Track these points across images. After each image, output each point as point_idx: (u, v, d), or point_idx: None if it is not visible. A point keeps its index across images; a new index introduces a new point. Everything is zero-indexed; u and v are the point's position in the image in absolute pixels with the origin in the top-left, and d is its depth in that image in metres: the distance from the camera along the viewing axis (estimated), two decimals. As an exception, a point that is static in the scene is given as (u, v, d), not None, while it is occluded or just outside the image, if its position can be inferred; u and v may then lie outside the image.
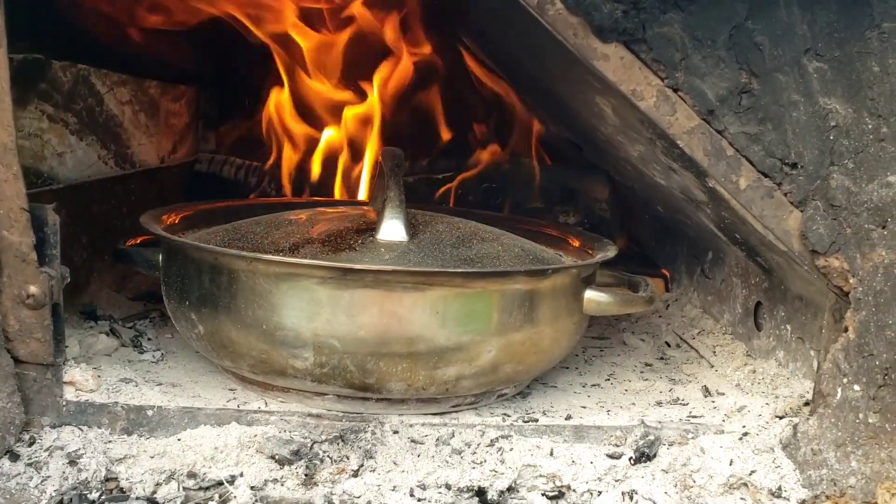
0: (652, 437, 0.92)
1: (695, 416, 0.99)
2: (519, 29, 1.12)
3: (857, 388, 0.84)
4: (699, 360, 1.21)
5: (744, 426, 0.95)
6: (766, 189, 0.88)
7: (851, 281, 0.85)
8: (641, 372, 1.17)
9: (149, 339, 1.14)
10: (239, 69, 1.79)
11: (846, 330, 0.86)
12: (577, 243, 1.17)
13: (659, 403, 1.05)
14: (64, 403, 0.89)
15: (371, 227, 1.00)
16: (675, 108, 0.86)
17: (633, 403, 1.04)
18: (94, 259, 1.23)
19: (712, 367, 1.18)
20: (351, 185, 1.52)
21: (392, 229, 0.98)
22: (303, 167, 1.55)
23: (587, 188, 1.51)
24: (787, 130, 0.86)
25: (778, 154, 0.87)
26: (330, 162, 1.55)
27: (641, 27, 0.84)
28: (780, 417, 0.96)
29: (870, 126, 0.83)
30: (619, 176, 1.42)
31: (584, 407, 1.02)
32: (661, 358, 1.23)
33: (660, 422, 0.95)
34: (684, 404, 1.04)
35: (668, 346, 1.28)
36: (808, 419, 0.88)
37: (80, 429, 0.88)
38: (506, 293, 0.92)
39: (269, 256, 0.90)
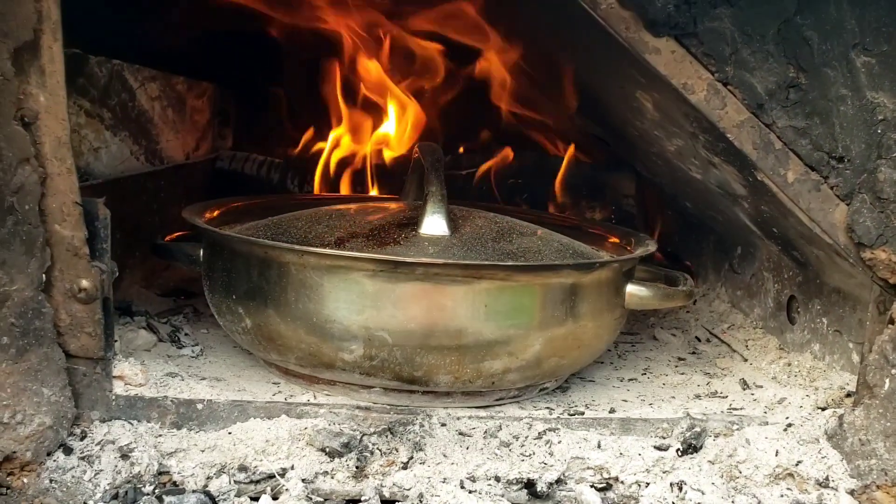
0: (698, 429, 0.92)
1: (736, 409, 1.00)
2: (555, 21, 1.13)
3: (905, 379, 0.85)
4: (732, 354, 1.22)
5: (787, 417, 0.95)
6: (813, 182, 0.88)
7: (899, 273, 0.86)
8: (676, 366, 1.18)
9: (186, 334, 1.14)
10: (254, 66, 1.79)
11: (893, 321, 0.87)
12: (613, 238, 1.18)
13: (698, 396, 1.05)
14: (113, 398, 0.89)
15: (411, 222, 1.01)
16: (724, 102, 0.86)
17: (673, 397, 1.05)
18: (126, 255, 1.23)
19: (746, 360, 1.19)
20: (377, 181, 1.52)
21: (434, 224, 0.98)
22: (332, 163, 1.55)
23: (614, 183, 1.51)
24: (835, 124, 0.87)
25: (825, 148, 0.88)
26: (357, 158, 1.56)
27: (693, 21, 0.84)
28: (823, 409, 0.96)
29: (919, 120, 0.84)
30: (647, 171, 1.43)
31: (626, 400, 1.02)
32: (694, 352, 1.24)
33: (704, 414, 0.96)
34: (723, 397, 1.05)
35: (699, 340, 1.29)
36: (853, 410, 0.89)
37: (130, 423, 0.88)
38: (551, 287, 0.92)
39: (321, 250, 0.90)
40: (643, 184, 1.54)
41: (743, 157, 0.90)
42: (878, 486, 0.85)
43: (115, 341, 0.92)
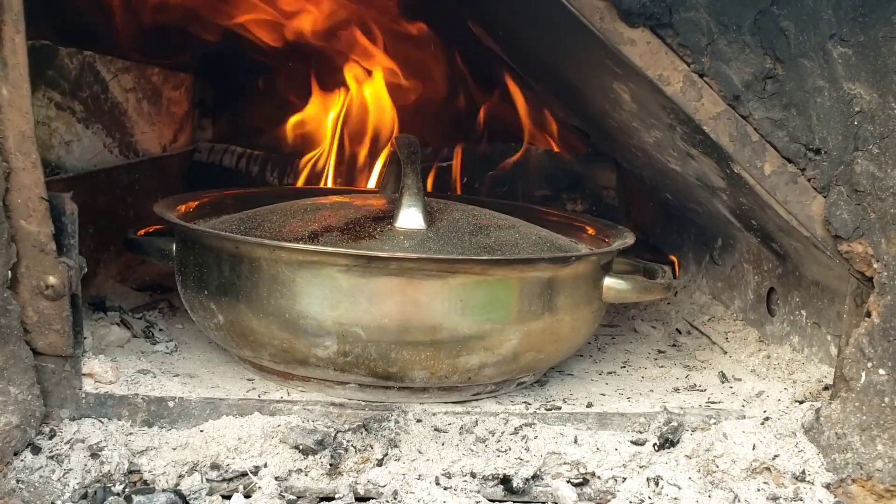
0: (675, 424, 0.92)
1: (714, 402, 0.99)
2: (531, 12, 1.11)
3: (882, 371, 0.84)
4: (712, 347, 1.22)
5: (764, 411, 0.95)
6: (790, 175, 0.88)
7: (875, 266, 0.85)
8: (655, 359, 1.17)
9: (160, 329, 1.13)
10: (232, 56, 1.77)
11: (869, 314, 0.87)
12: (591, 231, 1.17)
13: (676, 390, 1.05)
14: (83, 396, 0.88)
15: (388, 216, 0.99)
16: (701, 94, 0.85)
17: (651, 390, 1.04)
18: (100, 249, 1.22)
19: (726, 353, 1.18)
20: (356, 173, 1.51)
21: (410, 217, 0.97)
22: (310, 156, 1.54)
23: (594, 175, 1.51)
24: (812, 116, 0.86)
25: (802, 140, 0.87)
26: (337, 151, 1.54)
27: (668, 12, 0.83)
28: (801, 402, 0.96)
29: (896, 111, 0.83)
30: (628, 163, 1.42)
31: (604, 394, 1.02)
32: (674, 345, 1.24)
33: (681, 408, 0.95)
34: (702, 390, 1.04)
35: (679, 332, 1.29)
36: (830, 403, 0.89)
37: (100, 421, 0.87)
38: (528, 281, 0.91)
39: (293, 245, 0.89)
40: (624, 175, 1.54)
41: (720, 149, 0.89)
42: (853, 480, 0.84)
43: (85, 338, 0.91)
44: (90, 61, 1.15)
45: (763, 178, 0.88)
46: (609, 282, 0.99)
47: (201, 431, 0.87)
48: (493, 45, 1.45)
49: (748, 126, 0.86)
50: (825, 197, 0.87)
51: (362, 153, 1.51)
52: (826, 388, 0.97)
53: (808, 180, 0.88)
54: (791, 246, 1.03)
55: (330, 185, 1.52)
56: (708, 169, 1.02)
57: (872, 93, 0.84)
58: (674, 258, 1.52)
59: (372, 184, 1.52)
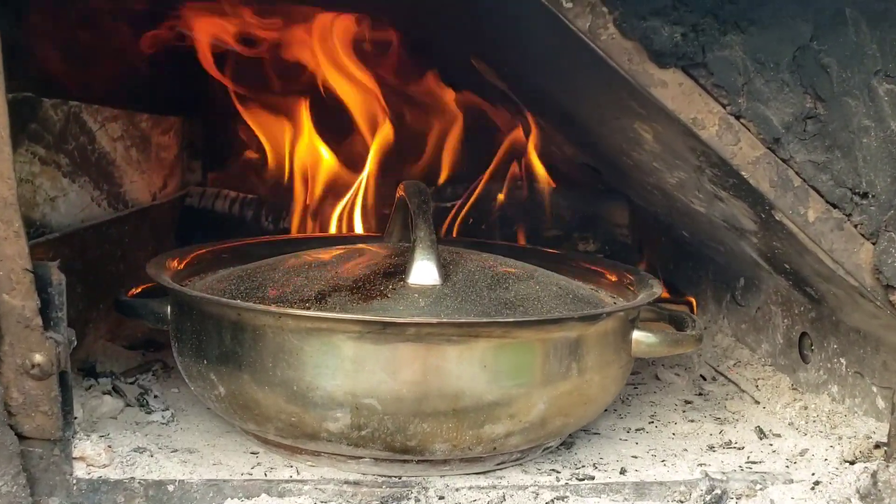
0: (718, 491, 0.85)
1: (755, 462, 0.93)
2: (543, 51, 1.06)
3: (945, 433, 0.78)
4: (741, 395, 1.15)
5: (813, 473, 0.88)
6: (835, 221, 0.82)
7: (932, 317, 0.79)
8: (684, 411, 1.10)
9: (155, 395, 1.05)
10: (219, 95, 1.71)
11: (925, 369, 0.80)
12: (611, 277, 1.10)
13: (711, 448, 0.98)
14: (74, 482, 0.80)
15: (399, 270, 0.93)
16: (738, 137, 0.80)
17: (685, 449, 0.97)
18: (89, 309, 1.14)
19: (758, 403, 1.11)
20: (352, 217, 1.44)
21: (424, 272, 0.90)
22: (306, 200, 1.47)
23: (606, 213, 1.44)
24: (858, 158, 0.80)
25: (848, 183, 0.81)
26: (331, 193, 1.48)
27: (701, 51, 0.78)
28: (851, 462, 0.89)
29: (950, 152, 0.77)
30: (642, 200, 1.36)
31: (636, 457, 0.95)
32: (700, 394, 1.17)
33: (723, 472, 0.89)
34: (739, 448, 0.97)
35: (704, 379, 1.22)
36: (887, 466, 0.82)
37: (93, 510, 0.80)
38: (556, 341, 0.85)
39: (300, 311, 0.82)
40: (636, 212, 1.47)
41: (758, 194, 0.83)
42: (921, 555, 0.78)
43: (75, 418, 0.83)
44: (76, 111, 1.08)
45: (807, 224, 0.81)
46: (638, 335, 0.92)
47: (204, 518, 0.80)
48: (497, 82, 1.39)
49: (789, 170, 0.81)
50: (874, 244, 0.81)
51: (366, 196, 1.45)
52: (877, 445, 0.90)
53: (855, 226, 0.82)
54: (830, 292, 0.96)
55: (331, 231, 1.45)
56: (738, 212, 0.95)
57: (923, 132, 0.79)
58: (690, 298, 1.45)
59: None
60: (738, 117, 0.79)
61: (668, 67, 0.78)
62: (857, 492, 0.84)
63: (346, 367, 0.81)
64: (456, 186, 1.54)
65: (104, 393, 1.01)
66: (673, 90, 0.79)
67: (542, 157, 1.44)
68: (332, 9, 1.30)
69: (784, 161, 0.80)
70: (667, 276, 1.53)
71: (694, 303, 1.42)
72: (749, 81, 0.79)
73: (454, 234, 1.43)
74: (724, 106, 0.79)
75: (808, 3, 0.78)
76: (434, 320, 0.82)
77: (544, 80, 1.18)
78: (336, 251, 1.04)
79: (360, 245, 1.09)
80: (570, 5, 0.76)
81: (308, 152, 1.49)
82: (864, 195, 0.81)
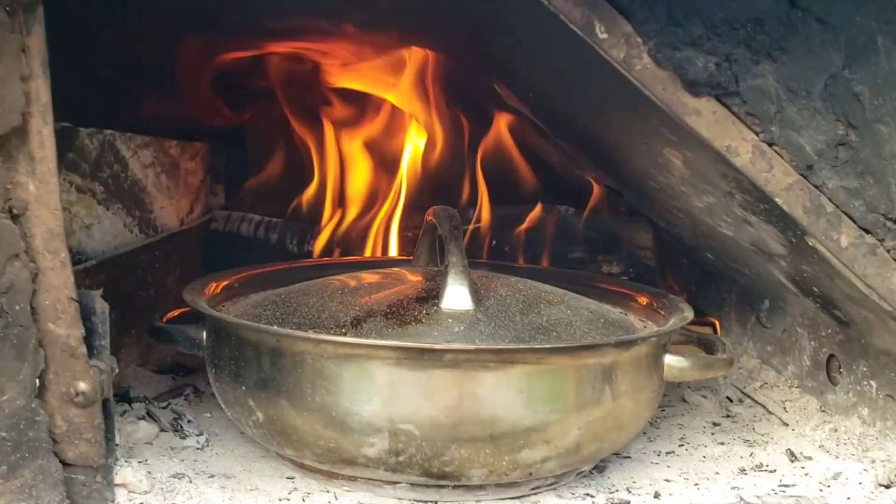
0: (754, 516, 0.85)
1: (788, 486, 0.93)
2: (571, 78, 1.07)
3: (982, 458, 0.78)
4: (769, 417, 1.15)
5: (848, 498, 0.89)
6: (868, 246, 0.82)
7: (967, 342, 0.80)
8: (713, 433, 1.10)
9: (188, 420, 1.06)
10: (244, 119, 1.73)
11: (960, 394, 0.81)
12: (641, 300, 1.11)
13: (743, 471, 0.98)
14: (116, 508, 0.81)
15: (431, 295, 0.94)
16: (771, 164, 0.80)
17: (717, 472, 0.98)
18: (121, 334, 1.15)
19: (786, 425, 1.12)
20: (383, 241, 1.45)
21: (457, 297, 0.91)
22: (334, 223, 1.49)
23: (630, 236, 1.45)
24: (891, 184, 0.81)
25: (881, 209, 0.82)
26: (359, 215, 1.49)
27: (734, 80, 0.79)
28: (886, 486, 0.90)
29: (983, 177, 0.78)
30: (665, 223, 1.37)
31: (668, 480, 0.95)
32: (728, 416, 1.17)
33: (757, 496, 0.89)
34: (771, 471, 0.98)
35: (731, 401, 1.22)
36: (923, 491, 0.82)
37: (135, 536, 0.80)
38: (591, 367, 0.85)
39: (340, 338, 0.83)
40: (658, 234, 1.48)
41: (790, 220, 0.83)
42: (961, 579, 0.78)
43: (117, 445, 0.84)
44: (110, 140, 1.10)
45: (840, 250, 0.82)
46: (670, 360, 0.93)
47: (245, 544, 0.81)
48: (519, 106, 1.40)
49: (822, 196, 0.81)
50: (907, 269, 0.82)
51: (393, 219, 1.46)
52: (911, 469, 0.91)
53: (888, 251, 0.82)
54: (859, 315, 0.97)
55: (360, 254, 1.47)
56: (767, 236, 0.96)
57: (955, 158, 0.79)
58: (713, 319, 1.46)
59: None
60: (770, 144, 0.81)
61: (701, 96, 0.79)
62: (894, 516, 0.84)
63: (384, 393, 0.81)
64: (480, 208, 1.55)
65: (139, 418, 1.02)
66: (707, 118, 0.80)
67: (563, 180, 1.45)
68: (371, 30, 1.32)
69: (817, 187, 0.81)
70: (689, 298, 1.54)
71: (717, 324, 1.42)
72: (782, 109, 0.80)
73: (485, 258, 1.44)
74: (757, 133, 0.80)
75: (840, 33, 0.79)
76: (471, 347, 0.82)
77: (570, 105, 1.19)
78: (367, 275, 1.05)
79: (390, 269, 1.10)
80: (604, 36, 0.77)
81: (336, 174, 1.50)
82: (897, 220, 0.82)
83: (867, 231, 0.82)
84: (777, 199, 0.81)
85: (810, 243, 0.84)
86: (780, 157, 0.81)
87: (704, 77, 0.77)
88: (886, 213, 0.82)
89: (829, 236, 0.82)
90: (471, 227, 1.54)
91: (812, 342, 1.15)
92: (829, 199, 0.81)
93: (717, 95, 0.79)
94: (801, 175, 0.81)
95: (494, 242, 1.47)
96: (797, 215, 0.82)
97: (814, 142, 0.81)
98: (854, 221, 0.82)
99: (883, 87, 0.80)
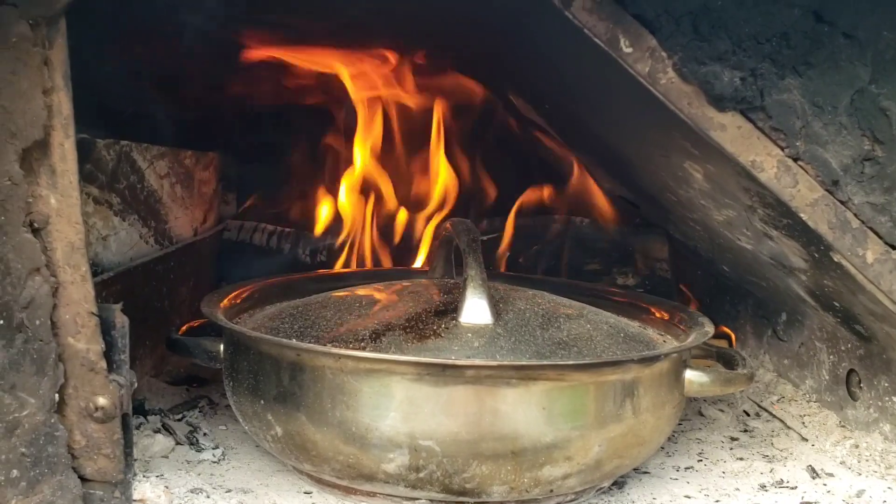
0: (778, 534, 0.84)
1: (809, 503, 0.92)
2: (591, 90, 1.06)
3: None
4: (787, 432, 1.14)
5: (872, 516, 0.88)
6: (894, 262, 0.82)
7: None
8: (731, 448, 1.09)
9: (204, 433, 1.05)
10: (254, 128, 1.73)
11: None
12: (659, 314, 1.10)
13: (763, 487, 0.97)
14: (135, 524, 0.80)
15: (449, 308, 0.93)
16: (796, 179, 0.80)
17: (737, 489, 0.97)
18: (136, 346, 1.14)
19: (805, 440, 1.11)
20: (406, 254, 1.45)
21: (477, 311, 0.90)
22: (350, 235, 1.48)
23: (645, 248, 1.44)
24: (917, 199, 0.80)
25: (907, 225, 0.81)
26: (372, 227, 1.49)
27: (760, 95, 0.78)
28: (910, 505, 0.89)
29: None
30: (681, 235, 1.36)
31: (689, 497, 0.94)
32: (746, 430, 1.16)
33: (780, 514, 0.88)
34: (792, 488, 0.97)
35: (748, 415, 1.21)
36: (949, 510, 0.81)
37: (153, 552, 0.80)
38: (613, 383, 0.85)
39: (361, 353, 0.82)
40: (674, 246, 1.47)
41: (815, 235, 0.83)
42: None
43: (135, 460, 0.84)
44: (126, 151, 1.10)
45: (865, 266, 0.82)
46: (690, 375, 0.92)
47: (264, 561, 0.80)
48: (534, 117, 1.40)
49: (847, 212, 0.81)
50: (933, 285, 0.81)
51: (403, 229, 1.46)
52: (935, 487, 0.90)
53: (914, 267, 0.81)
54: (882, 330, 0.96)
55: (366, 265, 1.46)
56: (789, 251, 0.95)
57: (982, 174, 0.79)
58: (728, 330, 1.45)
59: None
60: (796, 160, 0.80)
61: (727, 111, 0.78)
62: (920, 535, 0.83)
63: (405, 409, 0.81)
64: (492, 219, 1.54)
65: (155, 431, 1.02)
66: (731, 133, 0.79)
67: (580, 191, 1.44)
68: (394, 41, 1.32)
69: (842, 203, 0.81)
70: (703, 310, 1.53)
71: (733, 336, 1.41)
72: (807, 124, 0.79)
73: (503, 269, 1.43)
74: (782, 149, 0.79)
75: (866, 47, 0.78)
76: (494, 363, 0.82)
77: (588, 117, 1.19)
78: (384, 288, 1.05)
79: (407, 282, 1.10)
80: (629, 50, 0.77)
81: (351, 186, 1.50)
82: (924, 236, 0.81)
83: (893, 247, 0.81)
84: (802, 215, 0.81)
85: (835, 259, 0.83)
86: (806, 172, 0.80)
87: (730, 92, 0.77)
88: (913, 228, 0.81)
89: (855, 252, 0.81)
90: (485, 237, 1.53)
91: (831, 356, 1.14)
92: (855, 215, 0.81)
93: (743, 110, 0.79)
94: (827, 190, 0.80)
95: (509, 254, 1.47)
96: (822, 231, 0.81)
97: (839, 157, 0.80)
98: (880, 237, 0.81)
99: (910, 102, 0.79)
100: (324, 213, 1.54)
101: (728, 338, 1.43)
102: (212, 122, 1.60)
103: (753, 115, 0.79)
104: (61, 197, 0.74)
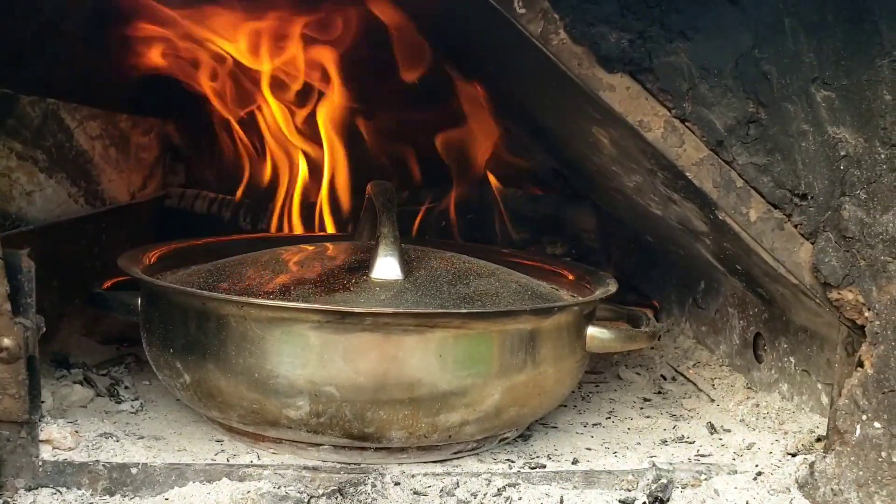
0: (664, 481, 0.88)
1: (703, 455, 0.96)
2: (508, 57, 1.09)
3: (877, 425, 0.81)
4: (698, 394, 1.18)
5: (756, 465, 0.92)
6: (776, 221, 0.85)
7: (867, 314, 0.83)
8: (641, 408, 1.13)
9: (126, 387, 1.08)
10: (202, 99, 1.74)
11: (861, 364, 0.84)
12: (571, 277, 1.14)
13: (664, 442, 1.01)
14: (40, 464, 0.83)
15: (363, 266, 0.96)
16: (682, 140, 0.83)
17: (639, 443, 1.00)
18: (64, 303, 1.17)
19: (713, 401, 1.15)
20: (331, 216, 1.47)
21: (387, 267, 0.93)
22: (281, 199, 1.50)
23: (573, 218, 1.48)
24: (797, 161, 0.84)
25: (788, 185, 0.85)
26: (308, 194, 1.51)
27: (648, 56, 0.81)
28: (793, 455, 0.93)
29: (883, 156, 0.81)
30: (608, 206, 1.40)
31: (590, 449, 0.98)
32: (659, 392, 1.20)
33: (671, 463, 0.92)
34: (690, 442, 1.01)
35: (664, 379, 1.25)
36: (824, 457, 0.85)
37: (58, 491, 0.82)
38: (510, 333, 0.88)
39: (262, 301, 0.85)
40: (604, 218, 1.51)
41: (703, 195, 0.86)
42: (852, 540, 0.81)
43: (44, 401, 0.86)
44: (54, 109, 1.11)
45: (749, 224, 0.85)
46: (592, 331, 0.96)
47: (166, 500, 0.83)
48: (471, 89, 1.42)
49: (732, 172, 0.84)
50: (813, 244, 0.85)
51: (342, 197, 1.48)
52: (819, 439, 0.94)
53: (795, 226, 0.85)
54: (777, 291, 1.00)
55: (303, 230, 1.48)
56: (690, 214, 0.99)
57: (858, 137, 0.82)
58: (655, 302, 1.49)
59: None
60: (682, 120, 0.83)
61: (615, 72, 0.81)
62: (796, 481, 0.87)
63: (306, 356, 0.84)
64: (433, 189, 1.57)
65: (75, 382, 1.04)
66: (620, 94, 0.82)
67: (512, 162, 1.47)
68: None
69: (727, 163, 0.84)
70: (636, 282, 1.57)
71: (658, 306, 1.45)
72: (694, 87, 0.83)
73: (447, 239, 1.46)
74: (669, 109, 0.83)
75: (749, 14, 0.82)
76: (391, 310, 0.85)
77: (513, 87, 1.22)
78: (305, 248, 1.07)
79: (330, 243, 1.12)
80: (522, 11, 0.79)
81: (285, 154, 1.52)
82: (804, 196, 0.85)
83: (775, 206, 0.85)
84: (688, 174, 0.84)
85: (721, 217, 0.87)
86: (692, 132, 0.83)
87: (617, 53, 0.80)
88: (793, 189, 0.84)
89: (739, 210, 0.85)
90: (423, 207, 1.56)
91: (741, 321, 1.19)
92: (739, 175, 0.84)
93: (631, 72, 0.82)
94: (712, 150, 0.84)
95: (443, 223, 1.50)
96: (707, 189, 0.84)
97: (724, 119, 0.83)
98: (763, 196, 0.85)
99: (789, 67, 0.82)
100: (253, 178, 1.56)
101: (654, 307, 1.48)
102: (160, 92, 1.62)
103: (642, 77, 0.82)
104: (-35, 142, 0.75)
